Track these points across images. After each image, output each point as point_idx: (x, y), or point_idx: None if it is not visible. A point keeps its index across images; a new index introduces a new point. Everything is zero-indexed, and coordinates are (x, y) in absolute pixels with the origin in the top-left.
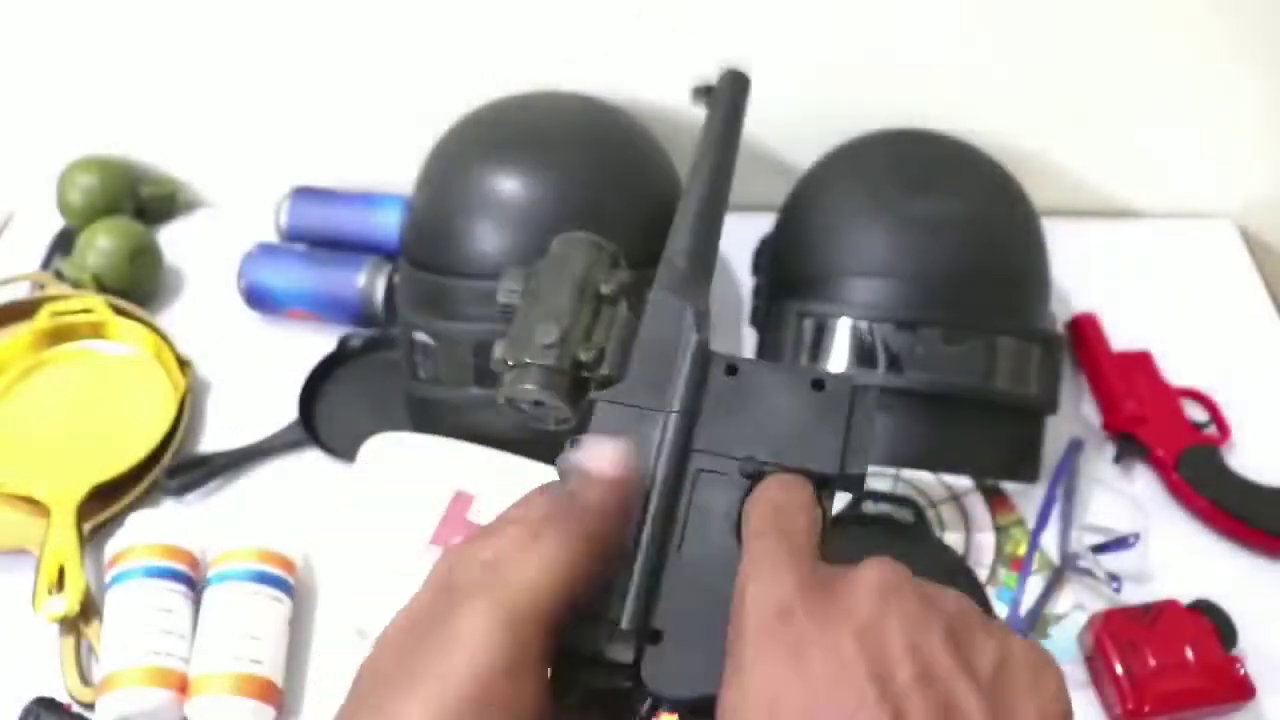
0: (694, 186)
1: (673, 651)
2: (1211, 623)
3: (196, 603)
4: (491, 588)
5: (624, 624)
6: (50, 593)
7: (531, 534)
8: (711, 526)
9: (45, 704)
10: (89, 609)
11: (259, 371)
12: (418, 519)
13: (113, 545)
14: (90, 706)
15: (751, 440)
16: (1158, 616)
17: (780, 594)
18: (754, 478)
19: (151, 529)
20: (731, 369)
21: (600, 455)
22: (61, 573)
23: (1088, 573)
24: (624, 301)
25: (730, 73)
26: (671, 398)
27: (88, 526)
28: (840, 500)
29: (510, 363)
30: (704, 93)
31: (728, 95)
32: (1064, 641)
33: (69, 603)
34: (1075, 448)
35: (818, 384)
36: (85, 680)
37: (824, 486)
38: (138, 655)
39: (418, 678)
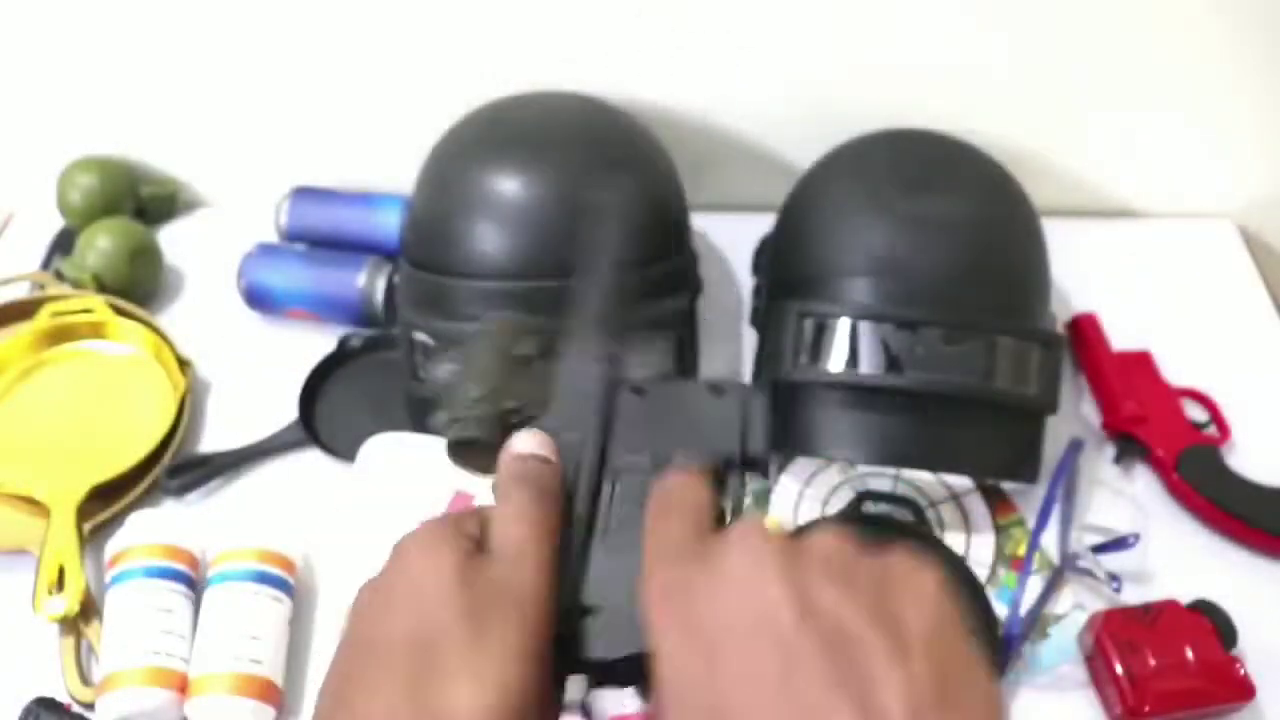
0: (598, 261)
1: (604, 621)
2: (1211, 623)
3: (196, 603)
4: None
5: (561, 603)
6: (50, 593)
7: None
8: (630, 519)
9: (45, 704)
10: (89, 609)
11: (259, 371)
12: (418, 519)
13: (113, 545)
14: (90, 706)
15: (662, 440)
16: (1158, 616)
17: (665, 572)
18: (661, 468)
19: (151, 529)
20: (638, 390)
21: (541, 442)
22: (61, 573)
23: (1088, 573)
24: (540, 361)
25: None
26: (587, 421)
27: (88, 526)
28: (840, 498)
29: (450, 419)
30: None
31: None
32: (1064, 641)
33: (69, 603)
34: (1075, 448)
35: (715, 389)
36: (85, 680)
37: (729, 470)
38: (138, 655)
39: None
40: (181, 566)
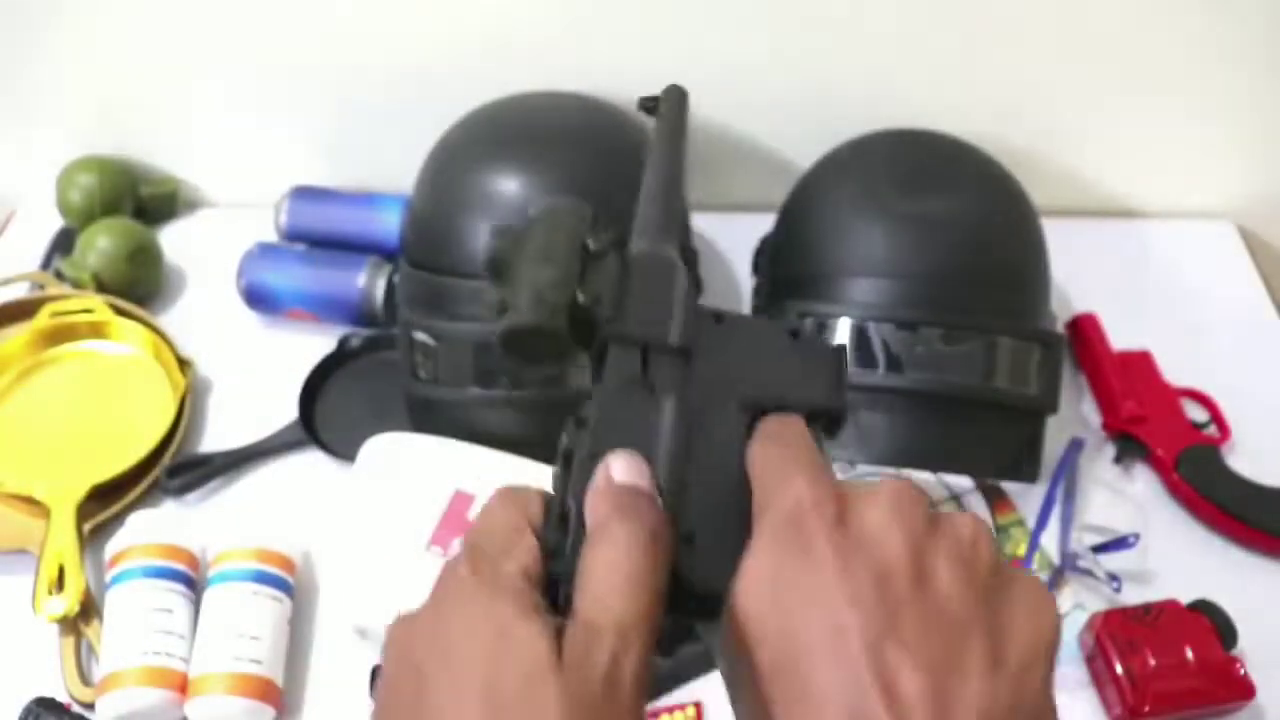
0: (654, 169)
1: (703, 552)
2: (1211, 623)
3: (196, 603)
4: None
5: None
6: (50, 593)
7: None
8: (722, 449)
9: (45, 704)
10: (89, 609)
11: (259, 371)
12: (418, 519)
13: (113, 545)
14: (90, 706)
15: (746, 377)
16: (1158, 616)
17: (794, 493)
18: (751, 410)
19: (151, 529)
20: (718, 317)
21: (640, 470)
22: (61, 573)
23: (1088, 572)
24: (611, 255)
25: (673, 87)
26: (672, 333)
27: (88, 526)
28: None
29: (508, 302)
30: (650, 102)
31: (672, 103)
32: (1064, 641)
33: (69, 603)
34: (1075, 448)
35: (794, 333)
36: (85, 680)
37: (811, 423)
38: (138, 655)
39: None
40: (181, 566)
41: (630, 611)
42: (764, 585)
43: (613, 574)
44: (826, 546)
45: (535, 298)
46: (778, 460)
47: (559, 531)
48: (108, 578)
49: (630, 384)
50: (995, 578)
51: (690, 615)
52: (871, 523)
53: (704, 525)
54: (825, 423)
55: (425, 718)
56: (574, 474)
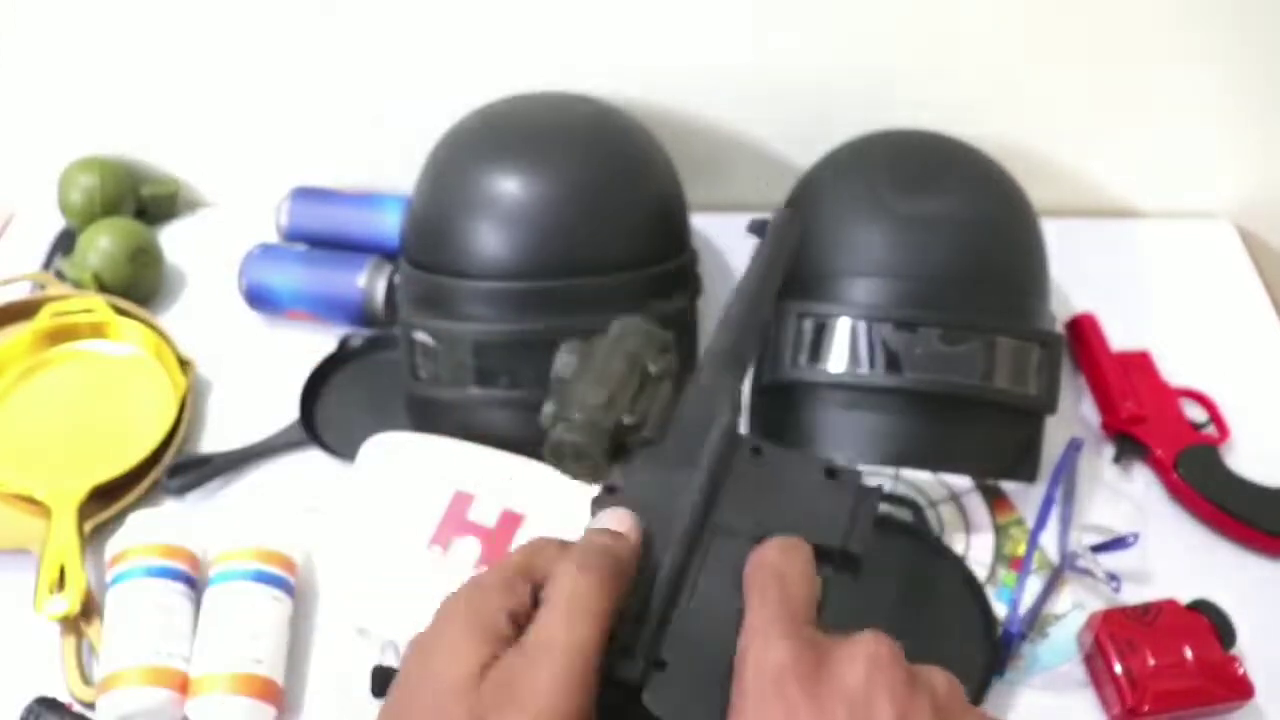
0: (741, 295)
1: (674, 681)
2: (1210, 622)
3: (197, 602)
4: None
5: (637, 650)
6: (51, 592)
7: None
8: (720, 581)
9: (46, 704)
10: (90, 609)
11: (259, 371)
12: (418, 519)
13: (113, 545)
14: (91, 706)
15: (766, 512)
16: (1157, 616)
17: (777, 659)
18: (761, 539)
19: (152, 529)
20: (756, 450)
21: (623, 520)
22: (62, 572)
23: (1087, 572)
24: (668, 382)
25: (786, 210)
26: (700, 465)
27: (88, 526)
28: None
29: (559, 416)
30: (760, 225)
31: (778, 228)
32: (1063, 641)
33: (70, 602)
34: (1075, 448)
35: (830, 472)
36: (86, 680)
37: (823, 560)
38: (138, 655)
39: None
40: (182, 566)
41: (553, 634)
42: None
43: (548, 604)
44: (809, 716)
45: (584, 418)
46: (767, 603)
47: None
48: (108, 577)
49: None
50: None
51: None
52: (852, 683)
53: (681, 655)
54: (841, 562)
55: (391, 714)
56: None
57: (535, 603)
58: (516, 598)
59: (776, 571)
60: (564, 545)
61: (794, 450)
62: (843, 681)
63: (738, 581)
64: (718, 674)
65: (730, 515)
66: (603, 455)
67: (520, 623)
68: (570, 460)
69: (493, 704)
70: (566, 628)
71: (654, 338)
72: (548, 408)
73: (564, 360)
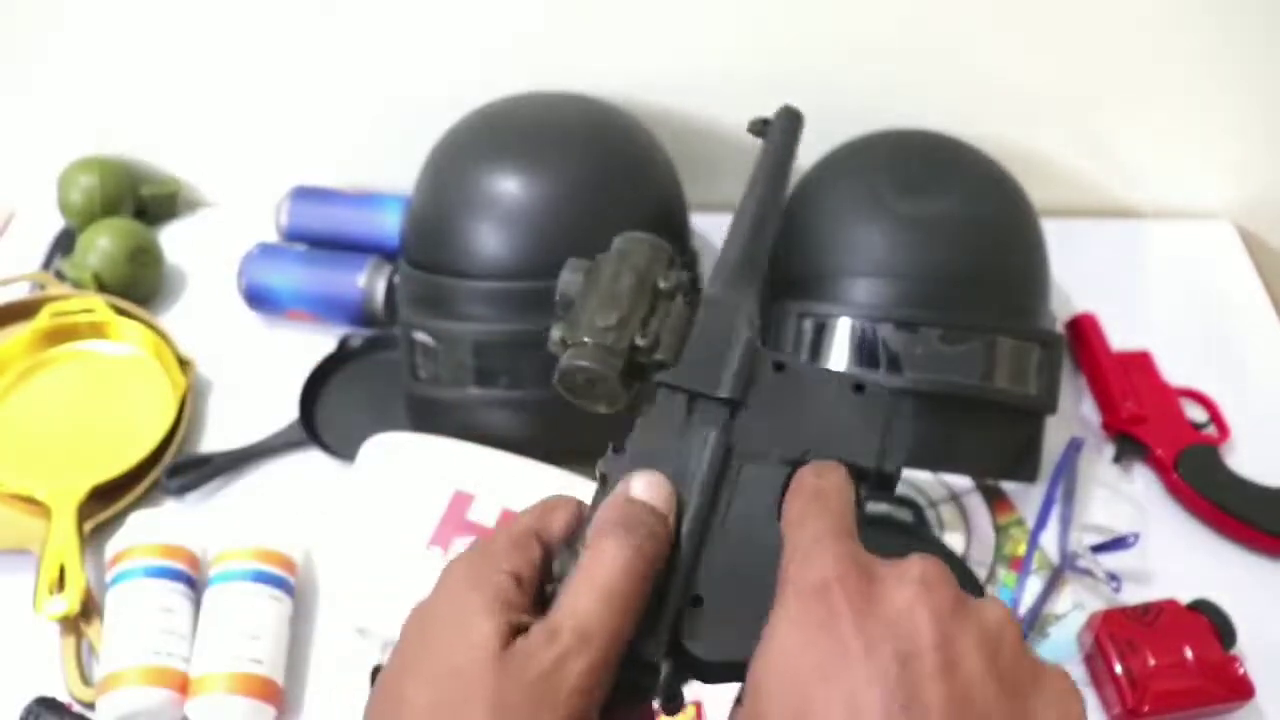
0: (747, 204)
1: (710, 618)
2: (1211, 622)
3: (197, 602)
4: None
5: (660, 629)
6: (51, 592)
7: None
8: (753, 508)
9: (46, 704)
10: (90, 609)
11: (259, 371)
12: (418, 519)
13: (113, 545)
14: (91, 706)
15: (795, 433)
16: (1157, 616)
17: (821, 569)
18: (794, 465)
19: (152, 529)
20: (779, 365)
21: (658, 489)
22: (62, 572)
23: (1087, 572)
24: (680, 298)
25: (786, 109)
26: (723, 384)
27: (88, 526)
28: None
29: (568, 341)
30: (761, 125)
31: (783, 127)
32: (1063, 641)
33: (70, 602)
34: (1075, 447)
35: (858, 387)
36: (86, 680)
37: (859, 481)
38: (138, 655)
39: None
40: (182, 566)
41: (593, 622)
42: (786, 659)
43: (587, 583)
44: (851, 625)
45: (595, 342)
46: (809, 523)
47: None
48: (108, 577)
49: (673, 422)
50: (1021, 668)
51: (692, 676)
52: (899, 602)
53: (718, 590)
54: (876, 480)
55: (389, 685)
56: (603, 495)
57: (547, 566)
58: (526, 558)
59: (817, 490)
60: (582, 506)
61: (818, 367)
62: (891, 603)
63: (772, 510)
64: (758, 604)
65: (757, 438)
66: (618, 380)
67: (527, 588)
68: (583, 388)
69: (527, 698)
70: (609, 614)
71: (661, 251)
72: (555, 333)
73: (568, 279)
